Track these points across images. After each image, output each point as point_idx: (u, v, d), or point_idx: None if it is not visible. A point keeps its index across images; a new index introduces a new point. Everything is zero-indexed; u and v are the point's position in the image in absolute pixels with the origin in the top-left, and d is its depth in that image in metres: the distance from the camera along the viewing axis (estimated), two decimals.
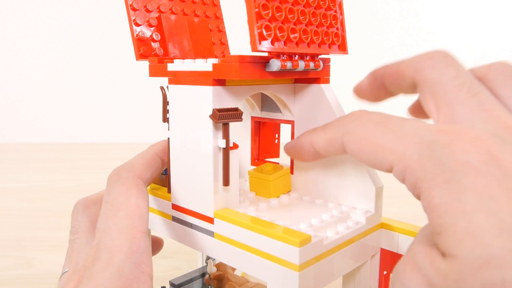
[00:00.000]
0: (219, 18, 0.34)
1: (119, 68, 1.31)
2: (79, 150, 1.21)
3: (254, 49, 0.22)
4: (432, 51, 0.22)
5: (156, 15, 0.31)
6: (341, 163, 0.26)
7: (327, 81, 0.27)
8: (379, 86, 0.25)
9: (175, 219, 0.28)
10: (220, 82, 0.24)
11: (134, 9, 0.30)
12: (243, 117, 0.25)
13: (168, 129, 0.27)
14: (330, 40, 0.26)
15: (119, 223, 0.24)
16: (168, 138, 0.28)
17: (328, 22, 0.26)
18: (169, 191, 0.28)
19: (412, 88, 0.23)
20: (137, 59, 0.30)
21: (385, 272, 0.26)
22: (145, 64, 0.29)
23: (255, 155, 0.33)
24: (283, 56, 0.24)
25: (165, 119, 0.28)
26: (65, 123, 1.35)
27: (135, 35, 0.29)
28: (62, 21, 1.31)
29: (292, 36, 0.24)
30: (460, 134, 0.18)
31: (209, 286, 0.37)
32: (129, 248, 0.23)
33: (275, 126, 0.33)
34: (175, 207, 0.28)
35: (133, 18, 0.29)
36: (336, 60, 0.31)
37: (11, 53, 1.31)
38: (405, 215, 0.36)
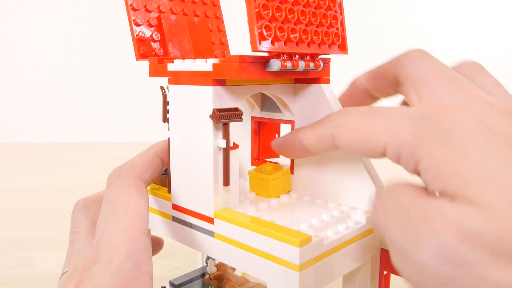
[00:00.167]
0: (219, 18, 0.34)
1: (119, 68, 1.31)
2: (79, 150, 1.21)
3: (254, 49, 0.22)
4: (410, 49, 0.24)
5: (156, 15, 0.31)
6: (341, 163, 0.26)
7: (327, 81, 0.27)
8: (361, 93, 0.27)
9: (175, 219, 0.28)
10: (220, 82, 0.24)
11: (134, 9, 0.29)
12: (243, 117, 0.25)
13: (168, 129, 0.27)
14: (330, 40, 0.26)
15: (119, 223, 0.24)
16: (168, 138, 0.28)
17: (328, 22, 0.26)
18: (169, 191, 0.28)
19: (394, 87, 0.24)
20: (137, 59, 0.30)
21: (385, 272, 0.26)
22: (145, 64, 0.29)
23: (255, 155, 0.33)
24: (283, 56, 0.24)
25: (165, 119, 0.28)
26: (65, 123, 1.35)
27: (135, 35, 0.29)
28: (62, 21, 1.31)
29: (292, 36, 0.24)
30: (449, 107, 0.19)
31: (209, 286, 0.37)
32: (129, 248, 0.23)
33: (275, 126, 0.33)
34: (175, 207, 0.28)
35: (133, 18, 0.29)
36: (336, 60, 0.31)
37: (11, 53, 1.31)
38: None
